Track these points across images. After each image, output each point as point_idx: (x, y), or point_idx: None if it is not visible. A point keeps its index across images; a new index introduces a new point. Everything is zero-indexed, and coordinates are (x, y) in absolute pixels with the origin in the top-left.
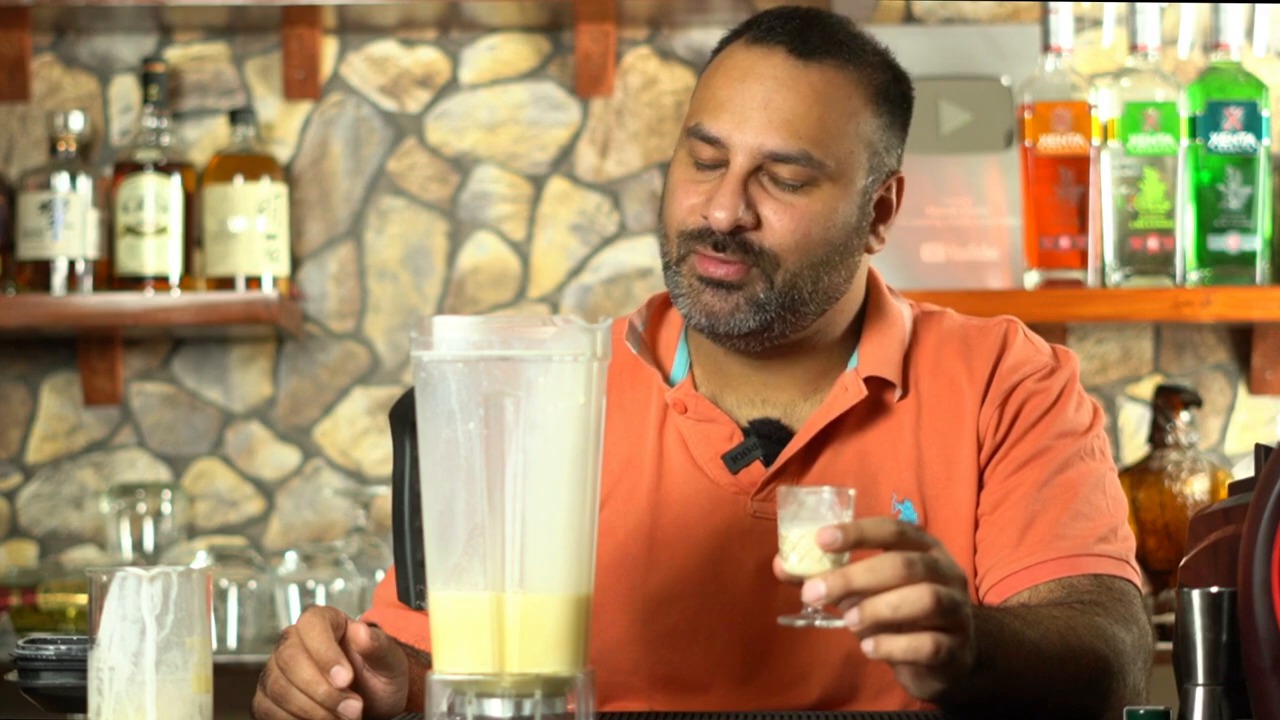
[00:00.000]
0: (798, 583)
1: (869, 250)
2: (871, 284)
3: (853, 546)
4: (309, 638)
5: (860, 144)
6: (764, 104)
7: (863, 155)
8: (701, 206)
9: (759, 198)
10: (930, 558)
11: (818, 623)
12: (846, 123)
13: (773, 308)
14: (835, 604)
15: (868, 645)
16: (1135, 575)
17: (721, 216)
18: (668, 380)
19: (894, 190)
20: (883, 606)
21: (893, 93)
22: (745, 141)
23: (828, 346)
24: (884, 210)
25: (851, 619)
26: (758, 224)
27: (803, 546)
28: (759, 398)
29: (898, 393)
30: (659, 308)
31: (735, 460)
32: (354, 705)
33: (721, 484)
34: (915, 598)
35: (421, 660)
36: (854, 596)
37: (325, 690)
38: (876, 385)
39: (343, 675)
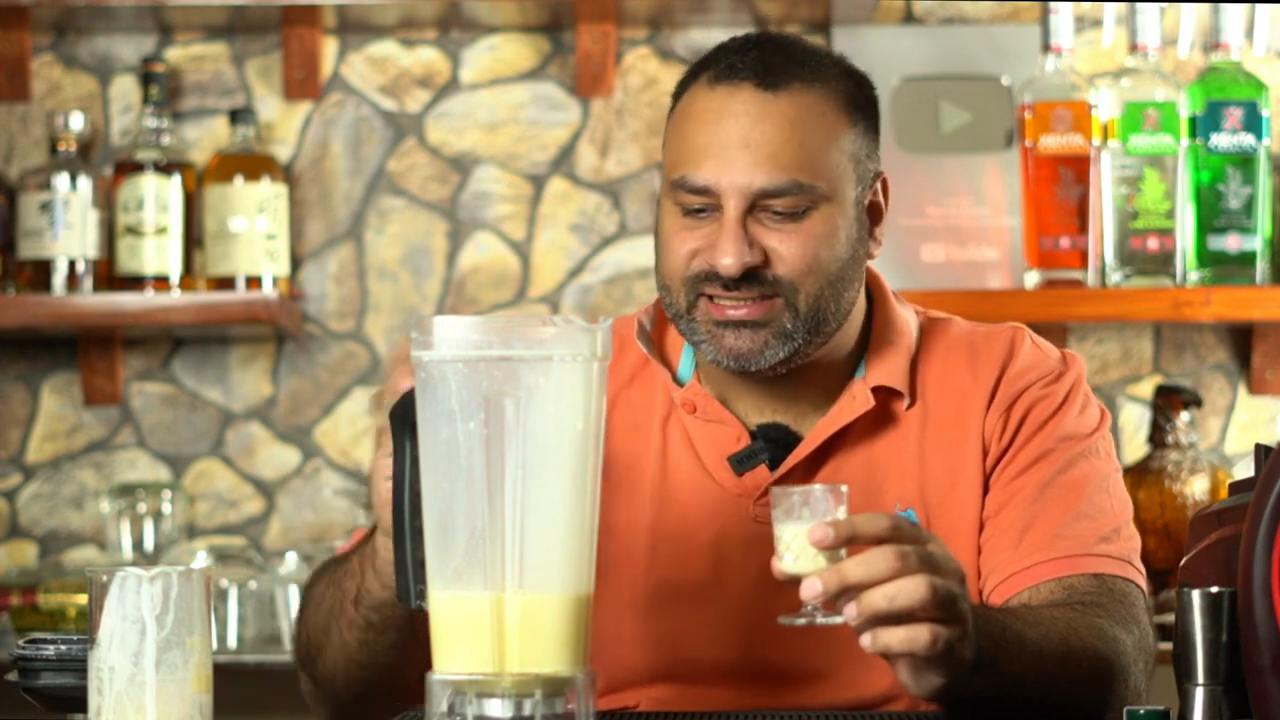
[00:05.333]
0: (796, 582)
1: (870, 256)
2: (877, 291)
3: (845, 543)
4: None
5: (844, 158)
6: (744, 143)
7: (849, 168)
8: (706, 252)
9: (760, 234)
10: (925, 551)
11: (818, 620)
12: (827, 141)
13: (800, 335)
14: (834, 600)
15: (865, 639)
16: (1139, 576)
17: (729, 263)
18: (675, 379)
19: (880, 192)
20: (879, 598)
21: (860, 99)
22: (734, 184)
23: (833, 356)
24: (875, 214)
25: (849, 613)
26: (765, 259)
27: (797, 545)
28: (769, 406)
29: (905, 401)
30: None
31: (741, 463)
32: None
33: (725, 486)
34: (911, 588)
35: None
36: (851, 592)
37: None
38: (884, 394)
39: None
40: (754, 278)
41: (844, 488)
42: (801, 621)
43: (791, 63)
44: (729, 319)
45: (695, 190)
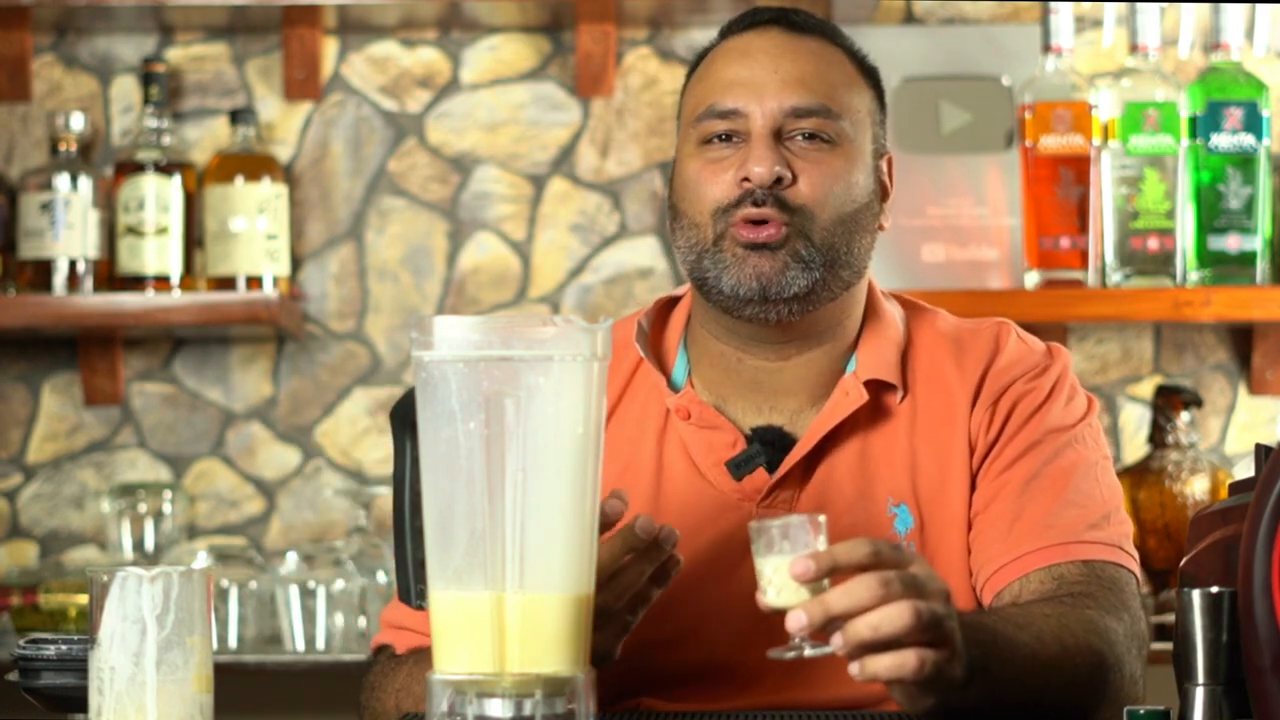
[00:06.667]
0: (781, 614)
1: (880, 228)
2: (867, 285)
3: (826, 574)
4: None
5: (863, 109)
6: (774, 69)
7: (866, 122)
8: (734, 171)
9: (787, 157)
10: (908, 575)
11: (807, 652)
12: (849, 85)
13: (818, 265)
14: (822, 631)
15: (854, 668)
16: (1130, 560)
17: (761, 170)
18: (670, 384)
19: (887, 171)
20: (863, 627)
21: (874, 77)
22: (765, 106)
23: (833, 348)
24: (884, 190)
25: (837, 643)
26: (794, 179)
27: (779, 579)
28: (766, 405)
29: (898, 394)
30: (661, 311)
31: (739, 467)
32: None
33: (725, 491)
34: (895, 615)
35: None
36: (838, 621)
37: None
38: (875, 388)
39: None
40: (778, 199)
41: (822, 518)
42: (790, 655)
43: (815, 21)
44: (752, 240)
45: (721, 115)
